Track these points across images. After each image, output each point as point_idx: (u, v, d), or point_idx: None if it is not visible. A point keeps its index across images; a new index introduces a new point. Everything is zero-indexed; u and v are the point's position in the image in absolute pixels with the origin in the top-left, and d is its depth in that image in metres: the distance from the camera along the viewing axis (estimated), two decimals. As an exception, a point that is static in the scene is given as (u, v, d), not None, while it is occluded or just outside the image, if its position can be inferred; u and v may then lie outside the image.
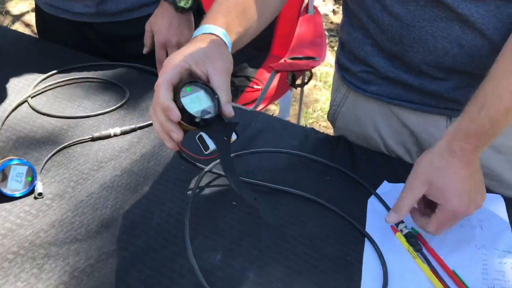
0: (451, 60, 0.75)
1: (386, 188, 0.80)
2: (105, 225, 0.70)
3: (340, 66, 0.92)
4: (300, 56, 1.69)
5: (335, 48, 3.03)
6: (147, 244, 0.67)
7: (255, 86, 1.92)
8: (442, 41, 0.73)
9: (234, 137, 0.64)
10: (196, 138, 0.64)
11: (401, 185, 0.80)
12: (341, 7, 0.95)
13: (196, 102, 0.62)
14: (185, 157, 0.71)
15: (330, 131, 2.48)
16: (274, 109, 2.42)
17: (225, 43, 0.66)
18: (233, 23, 0.69)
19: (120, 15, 1.15)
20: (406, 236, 0.70)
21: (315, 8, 1.97)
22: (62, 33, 1.21)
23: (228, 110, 0.62)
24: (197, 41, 0.65)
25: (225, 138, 0.63)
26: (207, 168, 0.77)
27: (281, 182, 0.79)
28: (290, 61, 1.61)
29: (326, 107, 2.56)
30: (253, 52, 2.04)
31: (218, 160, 0.77)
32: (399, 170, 0.84)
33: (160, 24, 1.06)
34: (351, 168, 0.84)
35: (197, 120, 0.61)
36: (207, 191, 0.77)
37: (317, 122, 2.48)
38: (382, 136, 0.90)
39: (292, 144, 0.89)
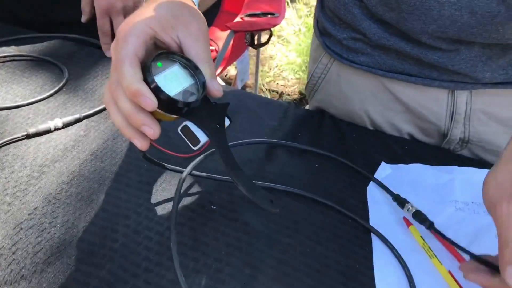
0: (458, 29, 0.62)
1: (385, 171, 0.70)
2: (56, 253, 0.55)
3: (320, 30, 0.78)
4: (257, 12, 1.53)
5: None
6: (113, 274, 0.54)
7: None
8: (449, 8, 0.60)
9: (227, 122, 0.49)
10: (179, 130, 0.48)
11: (401, 166, 0.70)
12: None
13: (173, 81, 0.46)
14: (151, 158, 0.57)
15: (289, 89, 2.37)
16: (231, 73, 2.26)
17: (194, 2, 0.51)
18: None
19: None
20: (415, 215, 0.60)
21: (268, -44, 1.78)
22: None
23: (216, 87, 0.48)
24: (154, 0, 0.49)
25: (218, 125, 0.48)
26: (187, 170, 0.62)
27: (264, 177, 0.66)
28: (248, 19, 1.45)
29: (283, 63, 2.43)
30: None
31: (196, 157, 0.63)
32: (394, 149, 0.74)
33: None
34: (341, 150, 0.73)
35: (179, 105, 0.45)
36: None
37: (275, 81, 2.35)
38: (369, 113, 0.78)
39: (271, 125, 0.76)
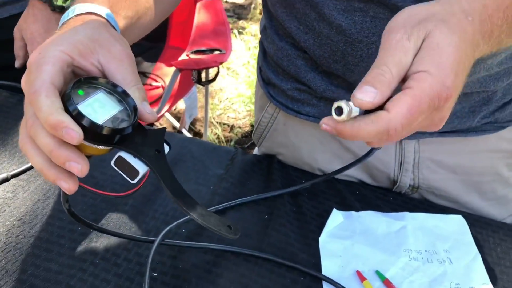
0: None
1: (337, 219, 0.67)
2: None
3: (264, 79, 0.75)
4: (203, 48, 1.51)
5: (234, 31, 2.88)
6: None
7: (154, 83, 1.71)
8: None
9: (166, 148, 0.44)
10: (112, 164, 0.42)
11: (353, 213, 0.68)
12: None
13: (99, 109, 0.41)
14: (77, 216, 0.49)
15: (240, 122, 2.35)
16: (179, 108, 2.21)
17: (111, 24, 0.47)
18: (119, 4, 0.49)
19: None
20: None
21: (213, -9, 1.78)
22: None
23: (148, 110, 0.43)
24: (70, 25, 0.44)
25: (157, 152, 0.43)
26: (158, 240, 0.57)
27: (210, 237, 0.62)
28: (194, 57, 1.42)
29: (233, 96, 2.41)
30: (146, 43, 1.81)
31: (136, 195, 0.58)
32: (345, 194, 0.71)
33: (34, 30, 0.82)
34: (291, 196, 0.70)
35: (109, 133, 0.40)
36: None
37: (225, 114, 2.33)
38: (318, 162, 0.75)
39: (217, 174, 0.73)
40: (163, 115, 1.63)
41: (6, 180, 0.67)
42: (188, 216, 0.43)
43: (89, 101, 0.41)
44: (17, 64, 0.88)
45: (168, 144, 0.44)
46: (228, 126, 2.26)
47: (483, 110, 0.65)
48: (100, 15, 0.45)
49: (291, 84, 0.69)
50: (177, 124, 1.97)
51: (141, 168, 0.41)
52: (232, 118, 2.30)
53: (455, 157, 0.69)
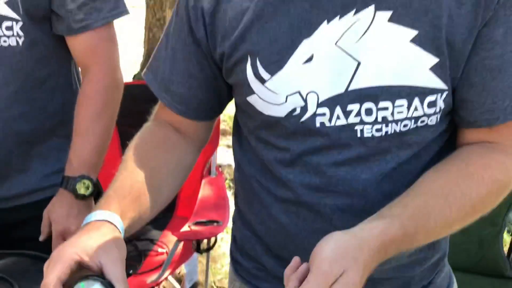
0: None
1: None
2: None
3: (233, 259, 0.93)
4: (204, 220, 1.73)
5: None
6: None
7: (160, 250, 1.89)
8: None
9: None
10: None
11: None
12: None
13: None
14: None
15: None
16: (181, 273, 2.36)
17: (119, 230, 0.67)
18: (127, 209, 0.70)
19: (11, 201, 1.12)
20: None
21: (217, 170, 2.07)
22: None
23: None
24: (89, 229, 0.65)
25: None
26: None
27: None
28: (194, 228, 1.63)
29: (234, 260, 2.55)
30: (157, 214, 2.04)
31: None
32: None
33: (59, 213, 1.04)
34: None
35: None
36: None
37: (226, 278, 2.45)
38: None
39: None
40: (165, 279, 1.78)
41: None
42: None
43: None
44: (41, 238, 1.08)
45: None
46: (228, 290, 2.36)
47: None
48: (111, 222, 0.67)
49: (252, 264, 0.87)
50: (178, 287, 2.09)
51: None
52: (232, 283, 2.41)
53: None
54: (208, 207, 1.84)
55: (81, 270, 0.62)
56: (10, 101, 1.06)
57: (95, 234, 0.64)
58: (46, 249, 1.06)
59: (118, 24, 1.16)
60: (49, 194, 1.12)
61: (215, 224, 1.70)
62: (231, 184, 3.33)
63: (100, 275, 0.62)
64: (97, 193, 1.09)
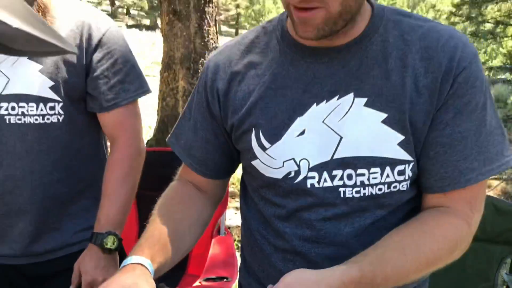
0: None
1: None
2: None
3: None
4: (213, 276, 1.85)
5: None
6: None
7: (173, 305, 2.00)
8: None
9: None
10: None
11: None
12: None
13: None
14: None
15: None
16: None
17: (149, 271, 0.82)
18: (156, 255, 0.85)
19: (45, 256, 1.27)
20: None
21: (226, 229, 2.21)
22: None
23: None
24: (127, 270, 0.80)
25: None
26: None
27: None
28: (204, 284, 1.75)
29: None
30: (169, 272, 2.16)
31: None
32: None
33: (88, 265, 1.19)
34: None
35: None
36: None
37: (234, 337, 2.51)
38: None
39: None
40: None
41: None
42: None
43: None
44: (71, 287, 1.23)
45: None
46: None
47: None
48: (143, 265, 0.82)
49: None
50: None
51: None
52: None
53: None
54: (218, 265, 1.96)
55: None
56: (50, 168, 1.24)
57: (131, 274, 0.79)
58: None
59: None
60: (77, 249, 1.28)
61: (224, 280, 1.81)
62: (239, 245, 3.44)
63: None
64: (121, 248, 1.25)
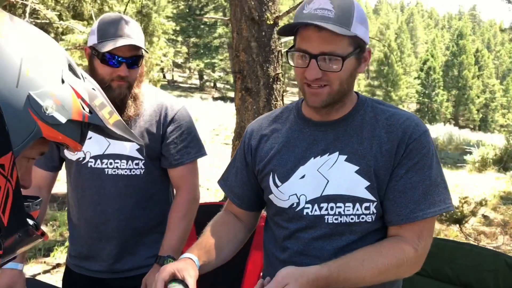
0: None
1: None
2: None
3: None
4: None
5: None
6: None
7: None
8: None
9: None
10: None
11: None
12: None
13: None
14: None
15: None
16: None
17: (196, 264, 1.22)
18: (202, 256, 1.26)
19: (125, 273, 1.73)
20: None
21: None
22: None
23: None
24: (181, 260, 1.21)
25: None
26: None
27: None
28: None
29: None
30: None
31: None
32: None
33: (152, 280, 1.60)
34: None
35: None
36: None
37: None
38: None
39: None
40: None
41: None
42: None
43: (175, 286, 1.15)
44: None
45: None
46: None
47: None
48: (192, 260, 1.23)
49: None
50: None
51: None
52: None
53: None
54: None
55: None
56: (132, 208, 1.72)
57: (183, 263, 1.21)
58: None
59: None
60: (147, 270, 1.71)
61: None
62: None
63: (183, 281, 1.16)
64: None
